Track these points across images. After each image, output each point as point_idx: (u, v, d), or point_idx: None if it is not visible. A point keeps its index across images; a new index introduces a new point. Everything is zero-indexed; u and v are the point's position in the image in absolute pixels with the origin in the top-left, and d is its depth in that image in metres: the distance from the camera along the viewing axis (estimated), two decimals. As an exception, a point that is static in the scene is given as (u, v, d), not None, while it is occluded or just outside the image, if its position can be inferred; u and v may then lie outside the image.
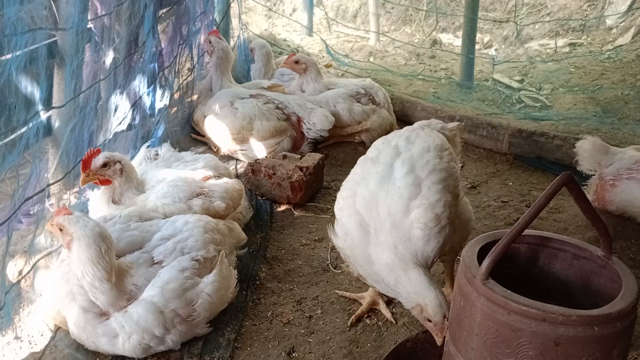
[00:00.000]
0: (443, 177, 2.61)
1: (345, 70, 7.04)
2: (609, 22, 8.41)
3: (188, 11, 5.02)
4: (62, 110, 3.14)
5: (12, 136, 2.60)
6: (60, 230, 2.66)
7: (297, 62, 5.23)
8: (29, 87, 2.73)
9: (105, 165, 3.21)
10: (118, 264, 2.68)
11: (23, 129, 2.60)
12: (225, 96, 4.87)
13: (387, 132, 5.23)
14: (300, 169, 4.08)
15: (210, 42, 5.01)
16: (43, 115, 2.96)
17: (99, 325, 2.59)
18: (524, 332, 1.64)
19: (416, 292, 2.41)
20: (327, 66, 7.15)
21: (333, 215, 4.01)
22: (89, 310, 2.61)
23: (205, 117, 4.89)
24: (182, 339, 2.71)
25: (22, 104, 2.59)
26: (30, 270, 2.80)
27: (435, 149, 2.72)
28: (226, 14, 6.53)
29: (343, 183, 2.84)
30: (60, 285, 2.67)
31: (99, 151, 3.24)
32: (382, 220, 2.51)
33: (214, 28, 5.88)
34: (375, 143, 2.95)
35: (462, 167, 4.42)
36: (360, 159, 2.87)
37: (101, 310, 2.62)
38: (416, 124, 3.06)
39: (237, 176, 4.28)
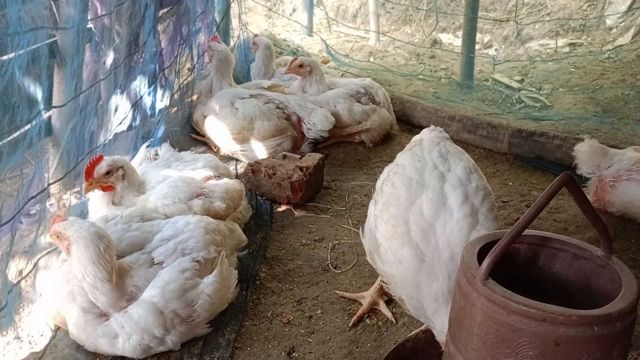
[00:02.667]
0: (493, 201, 2.63)
1: (345, 70, 7.04)
2: (609, 22, 8.41)
3: (188, 11, 5.02)
4: (62, 110, 3.14)
5: (16, 134, 2.60)
6: (58, 237, 2.66)
7: (301, 65, 5.19)
8: (31, 87, 2.73)
9: (108, 172, 3.20)
10: (119, 264, 2.68)
11: (26, 127, 2.60)
12: (225, 96, 4.87)
13: (387, 132, 5.28)
14: (300, 169, 4.09)
15: (210, 48, 5.02)
16: (44, 115, 2.96)
17: (98, 326, 2.59)
18: (524, 332, 1.64)
19: None
20: (325, 62, 7.16)
21: (333, 215, 4.06)
22: (88, 311, 2.60)
23: (205, 117, 4.89)
24: (182, 339, 2.70)
25: (25, 103, 2.59)
26: (31, 270, 2.80)
27: (474, 169, 2.74)
28: (226, 14, 6.53)
29: (382, 205, 2.70)
30: (61, 285, 2.67)
31: (101, 158, 3.21)
32: (440, 251, 2.47)
33: (214, 28, 5.89)
34: (405, 159, 2.84)
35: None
36: (401, 180, 2.70)
37: (101, 311, 2.62)
38: (424, 132, 3.08)
39: (237, 176, 4.28)
